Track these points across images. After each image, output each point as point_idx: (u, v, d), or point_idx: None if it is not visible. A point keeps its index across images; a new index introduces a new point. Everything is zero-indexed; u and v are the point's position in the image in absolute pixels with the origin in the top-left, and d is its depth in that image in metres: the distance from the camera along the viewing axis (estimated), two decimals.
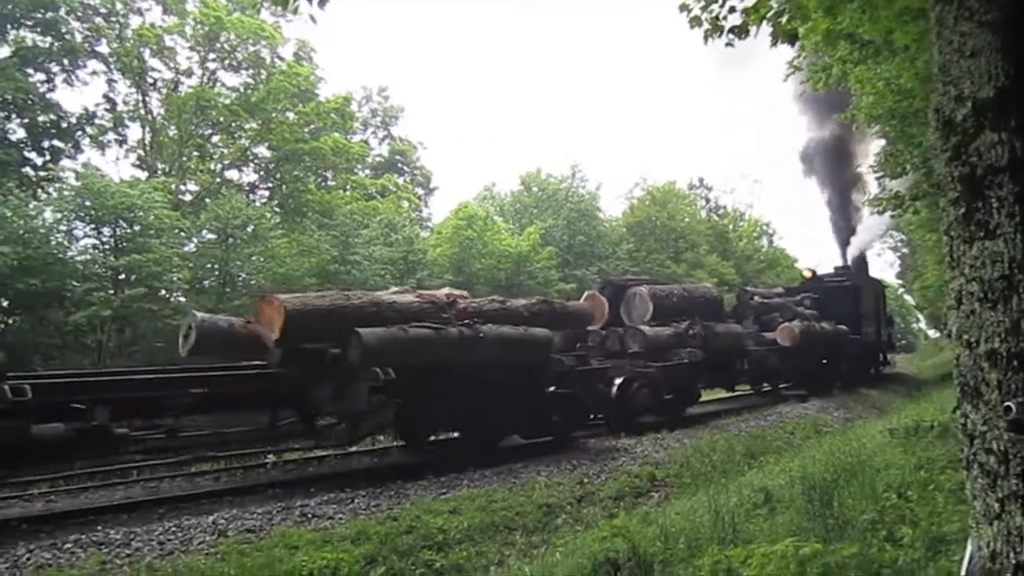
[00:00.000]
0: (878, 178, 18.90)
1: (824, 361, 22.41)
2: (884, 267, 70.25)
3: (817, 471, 7.04)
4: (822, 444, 11.34)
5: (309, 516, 7.99)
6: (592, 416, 14.07)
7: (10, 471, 8.47)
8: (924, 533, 4.75)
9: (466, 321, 11.17)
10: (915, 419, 10.06)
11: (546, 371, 12.29)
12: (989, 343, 2.98)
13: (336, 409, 10.12)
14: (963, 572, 2.94)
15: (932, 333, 71.01)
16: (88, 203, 19.66)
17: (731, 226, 56.91)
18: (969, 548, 3.06)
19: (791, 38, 5.88)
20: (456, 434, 12.61)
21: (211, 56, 29.76)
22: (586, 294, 16.28)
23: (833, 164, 37.80)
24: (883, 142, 16.94)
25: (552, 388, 12.68)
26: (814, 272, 28.46)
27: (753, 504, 6.83)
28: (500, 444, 12.10)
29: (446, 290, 12.30)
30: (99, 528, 7.12)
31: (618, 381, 14.09)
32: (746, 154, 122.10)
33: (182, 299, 22.13)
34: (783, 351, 20.21)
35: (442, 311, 11.13)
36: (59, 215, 20.07)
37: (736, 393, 20.52)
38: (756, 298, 22.28)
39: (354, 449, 11.91)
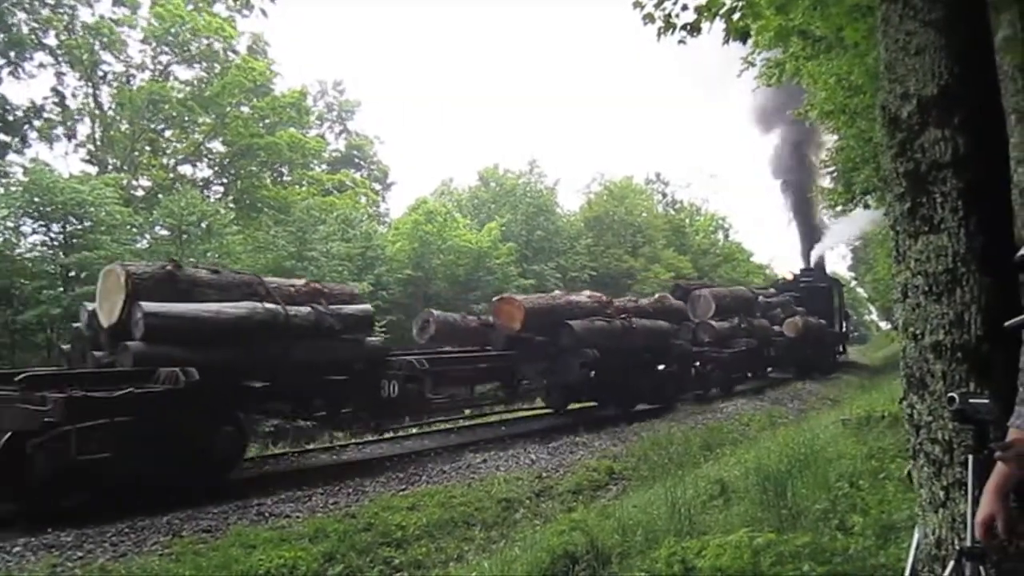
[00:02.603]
0: (830, 173, 19.18)
1: (808, 351, 26.00)
2: (836, 260, 71.44)
3: (772, 462, 7.12)
4: (777, 435, 11.48)
5: (266, 515, 7.90)
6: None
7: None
8: (875, 521, 4.84)
9: (623, 315, 15.39)
10: (867, 409, 10.23)
11: (667, 353, 16.76)
12: (934, 335, 3.05)
13: (548, 380, 14.42)
14: (910, 559, 3.00)
15: (884, 325, 72.24)
16: (37, 199, 19.18)
17: (688, 220, 57.38)
18: (916, 535, 3.12)
19: (743, 35, 5.95)
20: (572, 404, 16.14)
21: (164, 49, 29.26)
22: (657, 295, 19.43)
23: (797, 172, 39.05)
24: (835, 138, 17.18)
25: (661, 367, 16.72)
26: (795, 275, 32.75)
27: (709, 496, 6.90)
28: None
29: (587, 293, 16.55)
30: (49, 530, 6.96)
31: (697, 364, 18.54)
32: (703, 149, 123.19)
33: None
34: (788, 341, 24.19)
35: (606, 308, 15.39)
36: (5, 211, 19.55)
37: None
38: (761, 298, 25.77)
39: (312, 447, 12.34)
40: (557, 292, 16.57)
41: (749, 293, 24.72)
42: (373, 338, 11.18)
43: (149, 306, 8.55)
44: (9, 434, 7.33)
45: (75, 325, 10.39)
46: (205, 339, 8.70)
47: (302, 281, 10.98)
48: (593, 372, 14.22)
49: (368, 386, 10.56)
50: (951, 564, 2.36)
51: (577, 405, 16.01)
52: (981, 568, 2.27)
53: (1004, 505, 2.16)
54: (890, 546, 4.36)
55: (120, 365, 8.49)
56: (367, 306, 11.38)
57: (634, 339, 15.18)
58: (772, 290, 29.58)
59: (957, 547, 2.42)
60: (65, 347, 10.53)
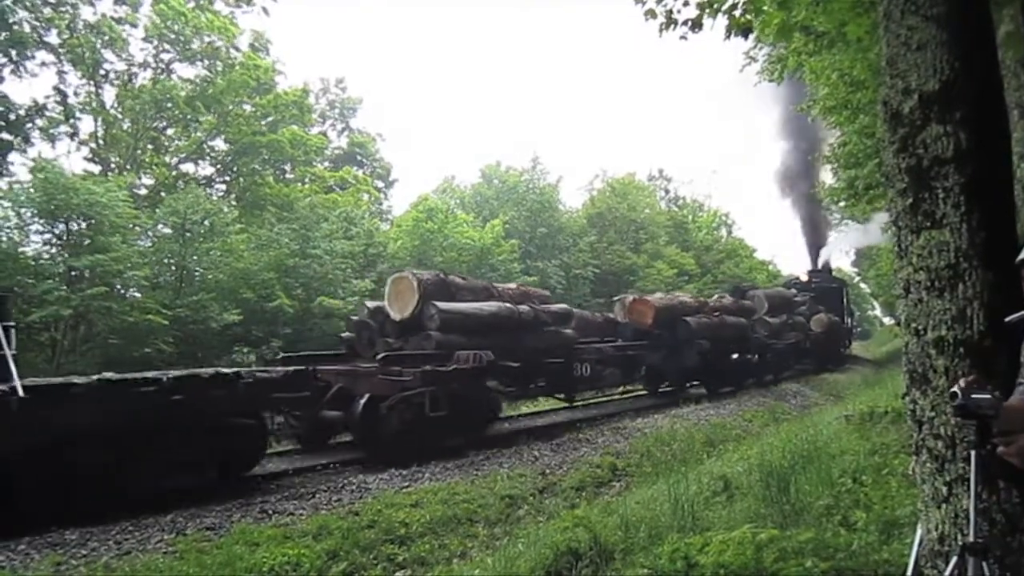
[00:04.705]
0: (833, 169, 19.14)
1: (828, 345, 28.70)
2: (840, 256, 71.13)
3: (775, 458, 7.11)
4: (780, 431, 11.49)
5: (269, 512, 7.91)
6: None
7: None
8: (877, 517, 4.84)
9: (717, 313, 19.03)
10: (870, 405, 10.24)
11: (744, 344, 20.42)
12: (936, 331, 3.04)
13: (668, 367, 17.85)
14: (913, 554, 3.00)
15: (887, 320, 72.18)
16: (52, 199, 19.07)
17: (690, 217, 57.27)
18: (919, 531, 3.12)
19: (745, 31, 5.93)
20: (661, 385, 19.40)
21: (165, 47, 29.20)
22: (715, 296, 22.47)
23: (803, 182, 39.66)
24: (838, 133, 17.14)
25: (735, 356, 20.17)
26: (810, 276, 36.47)
27: (712, 492, 6.90)
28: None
29: (683, 294, 20.67)
30: (54, 528, 6.98)
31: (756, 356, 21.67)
32: (705, 146, 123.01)
33: (137, 295, 21.70)
34: (817, 335, 27.00)
35: (703, 307, 18.98)
36: (11, 211, 19.49)
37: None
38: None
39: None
40: (659, 294, 20.14)
41: (788, 294, 28.53)
42: (568, 330, 14.45)
43: (443, 305, 11.67)
44: (367, 397, 10.07)
45: (353, 318, 13.24)
46: (473, 330, 11.91)
47: (514, 285, 14.55)
48: (703, 360, 17.49)
49: (567, 367, 13.80)
50: (954, 559, 2.36)
51: (663, 388, 19.04)
52: (984, 564, 2.26)
53: None
54: (893, 542, 4.36)
55: (422, 349, 11.39)
56: (565, 305, 15.58)
57: (727, 332, 18.86)
58: (793, 290, 31.59)
59: (960, 543, 2.42)
60: (346, 335, 13.10)
